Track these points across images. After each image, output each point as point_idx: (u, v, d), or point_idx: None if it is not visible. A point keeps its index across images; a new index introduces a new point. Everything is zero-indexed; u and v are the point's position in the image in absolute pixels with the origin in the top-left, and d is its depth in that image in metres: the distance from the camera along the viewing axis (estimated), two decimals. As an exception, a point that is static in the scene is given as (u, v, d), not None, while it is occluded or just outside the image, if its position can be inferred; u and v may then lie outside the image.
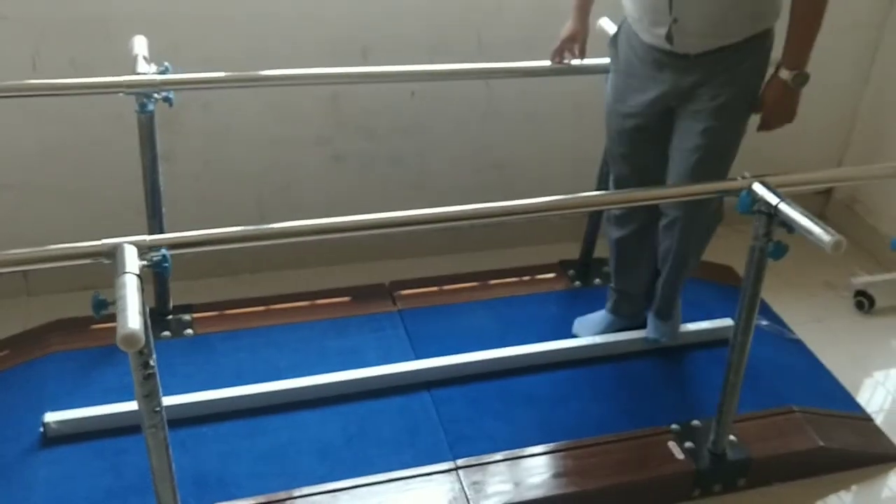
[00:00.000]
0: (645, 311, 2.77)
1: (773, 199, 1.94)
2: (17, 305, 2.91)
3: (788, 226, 1.93)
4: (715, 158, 2.35)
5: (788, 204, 1.91)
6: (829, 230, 1.82)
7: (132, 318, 1.50)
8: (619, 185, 2.59)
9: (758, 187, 1.98)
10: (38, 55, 2.63)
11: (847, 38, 3.30)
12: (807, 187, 2.06)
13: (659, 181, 2.47)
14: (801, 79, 2.23)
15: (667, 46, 2.25)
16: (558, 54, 2.57)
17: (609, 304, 2.80)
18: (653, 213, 2.57)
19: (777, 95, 2.27)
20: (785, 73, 2.23)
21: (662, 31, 2.23)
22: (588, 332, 2.79)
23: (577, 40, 2.55)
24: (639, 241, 2.63)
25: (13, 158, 2.77)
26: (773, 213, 1.94)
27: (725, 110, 2.27)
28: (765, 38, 2.26)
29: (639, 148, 2.48)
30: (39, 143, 2.76)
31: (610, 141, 2.56)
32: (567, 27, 2.55)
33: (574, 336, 2.79)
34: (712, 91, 2.27)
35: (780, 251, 1.98)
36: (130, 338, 1.48)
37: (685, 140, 2.36)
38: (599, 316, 2.83)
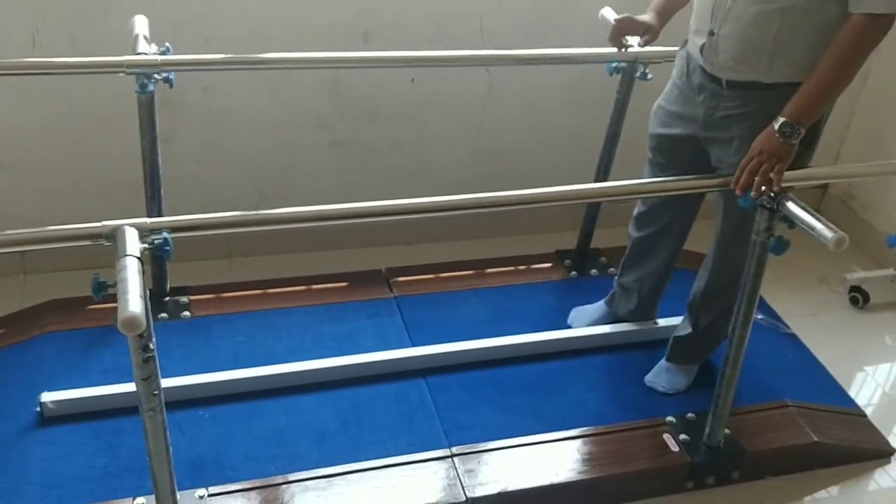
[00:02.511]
0: (638, 313, 2.75)
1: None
2: (14, 284, 2.90)
3: (790, 221, 1.93)
4: (738, 217, 2.21)
5: (791, 199, 1.92)
6: (832, 227, 1.82)
7: (133, 301, 1.49)
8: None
9: (761, 182, 1.98)
10: (37, 33, 2.61)
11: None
12: (807, 183, 2.05)
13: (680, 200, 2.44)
14: (787, 129, 1.97)
15: (699, 60, 2.17)
16: (618, 34, 2.46)
17: (607, 297, 2.80)
18: (672, 218, 2.52)
19: (759, 140, 2.02)
20: (777, 119, 1.99)
21: (701, 41, 2.15)
22: (582, 323, 2.80)
23: (648, 35, 2.44)
24: (653, 244, 2.58)
25: (11, 137, 2.75)
26: (775, 208, 1.94)
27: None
28: None
29: (662, 156, 2.41)
30: (38, 122, 2.75)
31: (648, 138, 2.48)
32: (643, 17, 2.43)
33: (568, 326, 2.80)
34: (738, 143, 2.15)
35: (781, 246, 1.98)
36: (132, 321, 1.48)
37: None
38: (595, 307, 2.83)
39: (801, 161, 2.09)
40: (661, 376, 2.59)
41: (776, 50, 2.03)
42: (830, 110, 2.17)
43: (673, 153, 2.38)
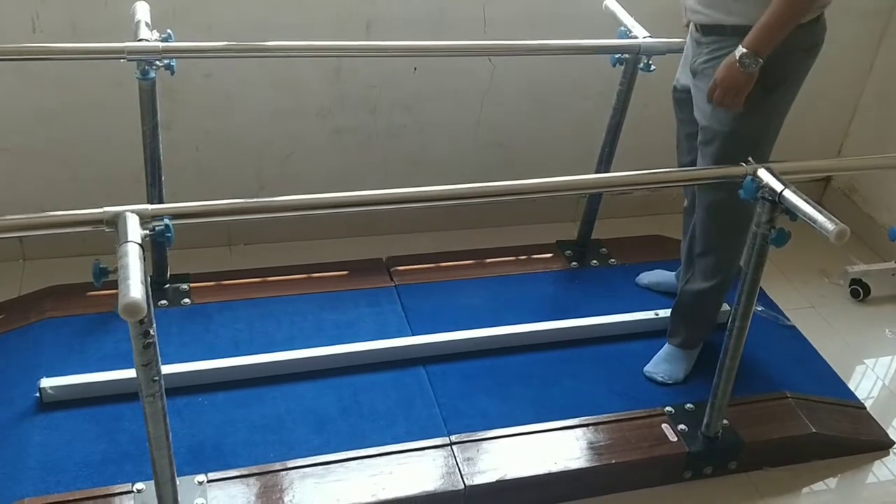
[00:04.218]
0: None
1: (777, 185, 1.93)
2: (13, 270, 2.90)
3: (791, 213, 1.92)
4: (710, 198, 2.37)
5: (793, 191, 1.91)
6: (834, 219, 1.81)
7: (134, 287, 1.49)
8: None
9: (763, 173, 1.98)
10: (38, 18, 2.60)
11: (852, 27, 3.29)
12: (809, 175, 2.05)
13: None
14: (747, 59, 2.07)
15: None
16: None
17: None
18: (693, 195, 2.57)
19: (722, 69, 2.14)
20: (738, 49, 2.09)
21: None
22: (647, 280, 2.94)
23: None
24: (690, 216, 2.60)
25: (12, 122, 2.75)
26: (776, 200, 1.94)
27: (717, 112, 2.22)
28: None
29: (681, 111, 2.49)
30: (39, 107, 2.74)
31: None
32: None
33: (636, 282, 2.94)
34: (707, 87, 2.22)
35: (782, 238, 1.97)
36: (133, 307, 1.48)
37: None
38: (667, 273, 2.92)
39: (761, 106, 2.17)
40: (659, 366, 2.59)
41: None
42: (804, 73, 2.24)
43: (683, 108, 2.44)
